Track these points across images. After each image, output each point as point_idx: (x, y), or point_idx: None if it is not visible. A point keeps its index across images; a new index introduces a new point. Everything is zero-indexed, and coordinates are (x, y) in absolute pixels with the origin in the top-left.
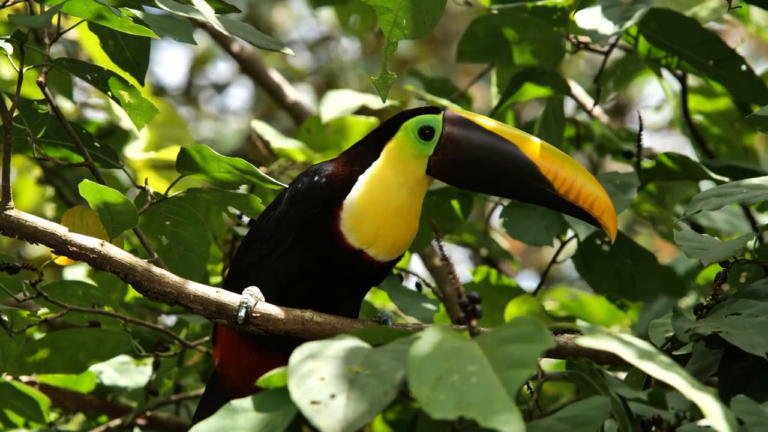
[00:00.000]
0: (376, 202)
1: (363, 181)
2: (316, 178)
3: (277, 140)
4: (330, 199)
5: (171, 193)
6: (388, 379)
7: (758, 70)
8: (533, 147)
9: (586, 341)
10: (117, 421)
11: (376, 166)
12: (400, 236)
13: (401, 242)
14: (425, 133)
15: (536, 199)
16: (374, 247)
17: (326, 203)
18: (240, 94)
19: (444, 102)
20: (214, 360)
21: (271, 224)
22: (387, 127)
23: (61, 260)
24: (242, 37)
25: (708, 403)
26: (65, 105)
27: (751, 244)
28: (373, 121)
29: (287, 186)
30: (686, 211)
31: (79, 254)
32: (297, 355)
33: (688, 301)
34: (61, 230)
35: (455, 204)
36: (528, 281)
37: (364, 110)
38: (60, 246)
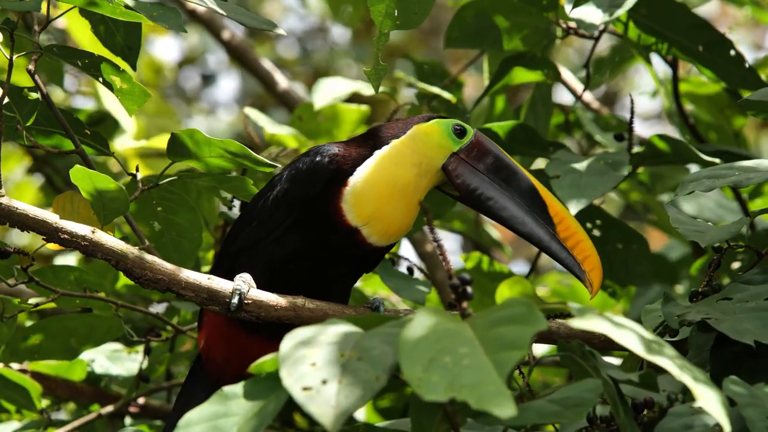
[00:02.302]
0: (384, 177)
1: (379, 154)
2: (318, 158)
3: (269, 126)
4: (332, 178)
5: (162, 180)
6: (380, 363)
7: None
8: (546, 191)
9: (577, 323)
10: (109, 408)
11: (398, 141)
12: (397, 220)
13: (396, 228)
14: (457, 130)
15: (534, 234)
16: (369, 227)
17: (328, 183)
18: (230, 86)
19: (435, 90)
20: (199, 344)
21: (270, 204)
22: (421, 115)
23: (52, 246)
24: (234, 18)
25: (699, 386)
26: (56, 93)
27: (744, 229)
28: (364, 108)
29: (280, 166)
30: (677, 192)
31: (70, 241)
32: (288, 341)
33: (680, 289)
34: (52, 218)
35: None
36: (519, 269)
37: (355, 98)
38: (51, 233)
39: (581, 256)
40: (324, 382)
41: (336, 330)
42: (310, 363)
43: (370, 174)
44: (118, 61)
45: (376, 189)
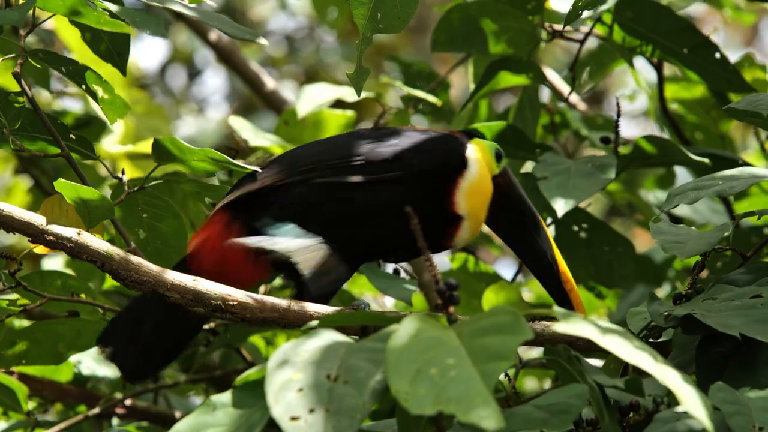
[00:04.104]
0: (481, 179)
1: (475, 157)
2: (453, 144)
3: (254, 137)
4: (457, 166)
5: (148, 183)
6: (366, 387)
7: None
8: (548, 232)
9: (562, 327)
10: (96, 410)
11: (474, 149)
12: (478, 224)
13: (475, 231)
14: (498, 154)
15: (539, 267)
16: (468, 220)
17: (454, 169)
18: (218, 84)
19: (420, 94)
20: (190, 242)
21: (389, 153)
22: (461, 130)
23: (39, 249)
24: (217, 27)
25: (682, 387)
26: (42, 95)
27: (728, 233)
28: (350, 113)
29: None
30: (663, 207)
31: (56, 243)
32: (273, 360)
33: (664, 290)
34: (38, 219)
35: None
36: (505, 270)
37: (341, 102)
38: (37, 235)
39: (571, 293)
40: (311, 411)
41: (321, 343)
42: (297, 388)
43: (477, 173)
44: (103, 68)
45: (478, 188)
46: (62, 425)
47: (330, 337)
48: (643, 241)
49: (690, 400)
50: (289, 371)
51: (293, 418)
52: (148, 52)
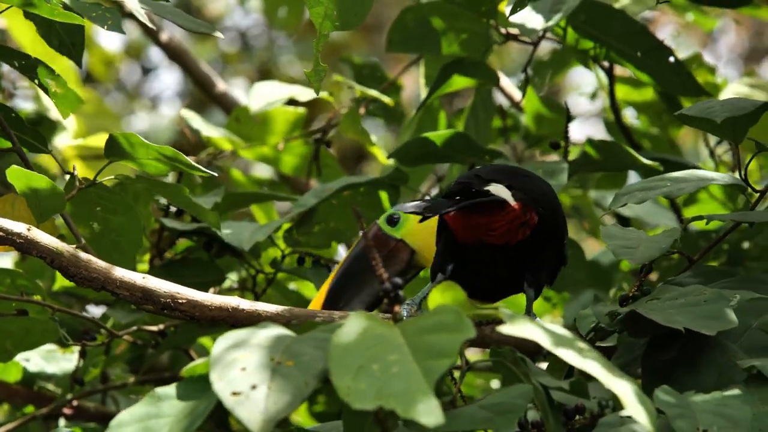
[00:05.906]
0: None
1: None
2: None
3: (205, 128)
4: None
5: (100, 179)
6: (309, 369)
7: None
8: None
9: (507, 329)
10: (43, 410)
11: None
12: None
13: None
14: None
15: None
16: None
17: None
18: (172, 80)
19: (373, 93)
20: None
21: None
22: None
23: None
24: (173, 21)
25: (626, 392)
26: None
27: (677, 237)
28: (301, 111)
29: (216, 175)
30: (610, 206)
31: (6, 239)
32: (221, 343)
33: (614, 294)
34: None
35: (383, 195)
36: None
37: (292, 100)
38: None
39: None
40: (253, 387)
41: (268, 333)
42: (241, 367)
43: None
44: (58, 62)
45: None
46: (9, 426)
47: (278, 330)
48: (590, 246)
49: (632, 405)
50: (235, 352)
51: (235, 393)
52: (110, 43)
